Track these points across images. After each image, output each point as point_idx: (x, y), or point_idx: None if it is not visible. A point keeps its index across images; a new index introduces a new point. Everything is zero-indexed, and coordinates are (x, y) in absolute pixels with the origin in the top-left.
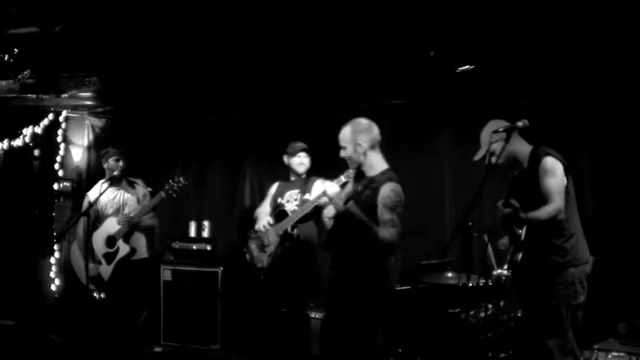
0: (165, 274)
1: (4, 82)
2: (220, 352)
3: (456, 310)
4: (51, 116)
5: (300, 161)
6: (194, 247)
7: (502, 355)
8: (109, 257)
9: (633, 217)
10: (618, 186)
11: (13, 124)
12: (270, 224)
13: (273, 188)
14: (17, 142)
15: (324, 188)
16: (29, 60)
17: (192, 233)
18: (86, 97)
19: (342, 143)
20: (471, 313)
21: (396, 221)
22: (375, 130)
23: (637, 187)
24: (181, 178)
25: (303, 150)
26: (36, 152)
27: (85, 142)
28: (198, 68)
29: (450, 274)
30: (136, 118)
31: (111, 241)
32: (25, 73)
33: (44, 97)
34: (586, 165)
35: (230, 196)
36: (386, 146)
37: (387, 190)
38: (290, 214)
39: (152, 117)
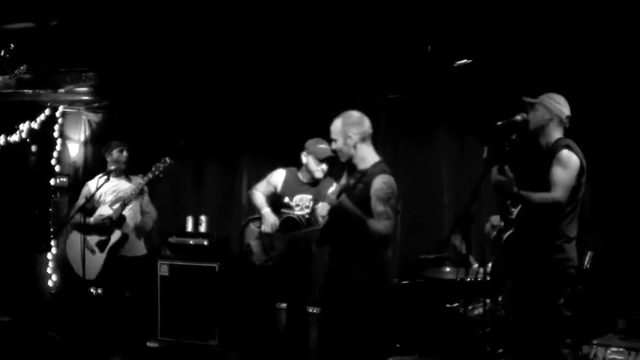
0: (162, 269)
1: (0, 78)
2: (218, 348)
3: (454, 305)
4: (47, 111)
5: (322, 168)
6: (191, 242)
7: (500, 350)
8: (101, 245)
9: (633, 212)
10: (617, 181)
11: (10, 120)
12: (277, 229)
13: (280, 178)
14: (14, 138)
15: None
16: (25, 55)
17: (190, 228)
18: (83, 92)
19: (333, 136)
20: (469, 307)
21: (389, 213)
22: (366, 123)
23: (636, 182)
24: (167, 158)
25: (328, 159)
26: (33, 148)
27: (82, 138)
28: (195, 64)
29: (448, 269)
30: (132, 114)
31: (102, 228)
32: (22, 68)
33: (41, 92)
34: (585, 160)
35: (227, 192)
36: (383, 141)
37: (380, 183)
38: (301, 225)
39: (149, 112)
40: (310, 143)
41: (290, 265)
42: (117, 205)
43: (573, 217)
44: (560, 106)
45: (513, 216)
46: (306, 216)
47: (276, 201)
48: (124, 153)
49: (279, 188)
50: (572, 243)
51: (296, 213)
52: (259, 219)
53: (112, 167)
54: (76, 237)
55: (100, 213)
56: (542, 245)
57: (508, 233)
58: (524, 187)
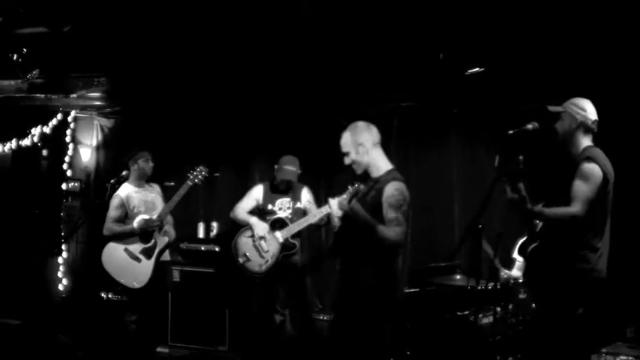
0: (174, 274)
1: (12, 82)
2: (227, 354)
3: (465, 313)
4: (59, 116)
5: (293, 172)
6: (202, 249)
7: (510, 358)
8: (147, 252)
9: None
10: (626, 189)
11: (22, 124)
12: (269, 231)
13: (259, 192)
14: (26, 142)
15: (309, 196)
16: (38, 60)
17: (201, 234)
18: (95, 97)
19: (345, 149)
20: (480, 315)
21: (401, 220)
22: (374, 130)
23: None
24: (202, 167)
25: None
26: (44, 152)
27: (94, 143)
28: (206, 70)
29: (458, 277)
30: (144, 119)
31: (145, 235)
32: (34, 73)
33: (53, 97)
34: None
35: (238, 198)
36: (395, 149)
37: (392, 189)
38: (289, 222)
39: (160, 118)
40: (282, 160)
41: (282, 276)
42: (156, 213)
43: (600, 228)
44: (586, 112)
45: (538, 228)
46: (289, 216)
47: (260, 212)
48: (150, 162)
49: (260, 200)
50: (598, 253)
51: (279, 215)
52: (249, 229)
53: (136, 176)
54: (113, 248)
55: (143, 218)
56: (566, 256)
57: (533, 245)
58: (550, 197)
